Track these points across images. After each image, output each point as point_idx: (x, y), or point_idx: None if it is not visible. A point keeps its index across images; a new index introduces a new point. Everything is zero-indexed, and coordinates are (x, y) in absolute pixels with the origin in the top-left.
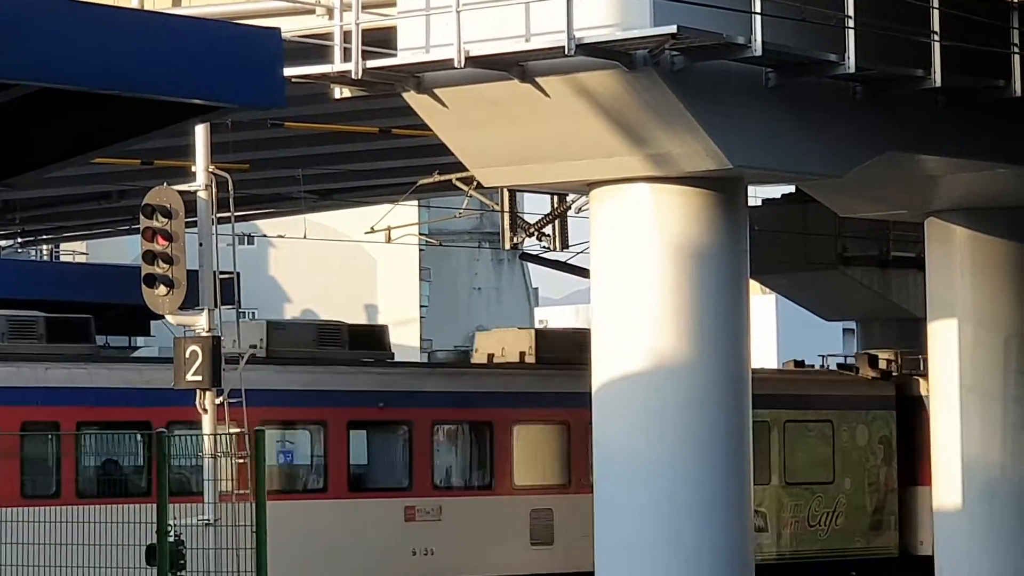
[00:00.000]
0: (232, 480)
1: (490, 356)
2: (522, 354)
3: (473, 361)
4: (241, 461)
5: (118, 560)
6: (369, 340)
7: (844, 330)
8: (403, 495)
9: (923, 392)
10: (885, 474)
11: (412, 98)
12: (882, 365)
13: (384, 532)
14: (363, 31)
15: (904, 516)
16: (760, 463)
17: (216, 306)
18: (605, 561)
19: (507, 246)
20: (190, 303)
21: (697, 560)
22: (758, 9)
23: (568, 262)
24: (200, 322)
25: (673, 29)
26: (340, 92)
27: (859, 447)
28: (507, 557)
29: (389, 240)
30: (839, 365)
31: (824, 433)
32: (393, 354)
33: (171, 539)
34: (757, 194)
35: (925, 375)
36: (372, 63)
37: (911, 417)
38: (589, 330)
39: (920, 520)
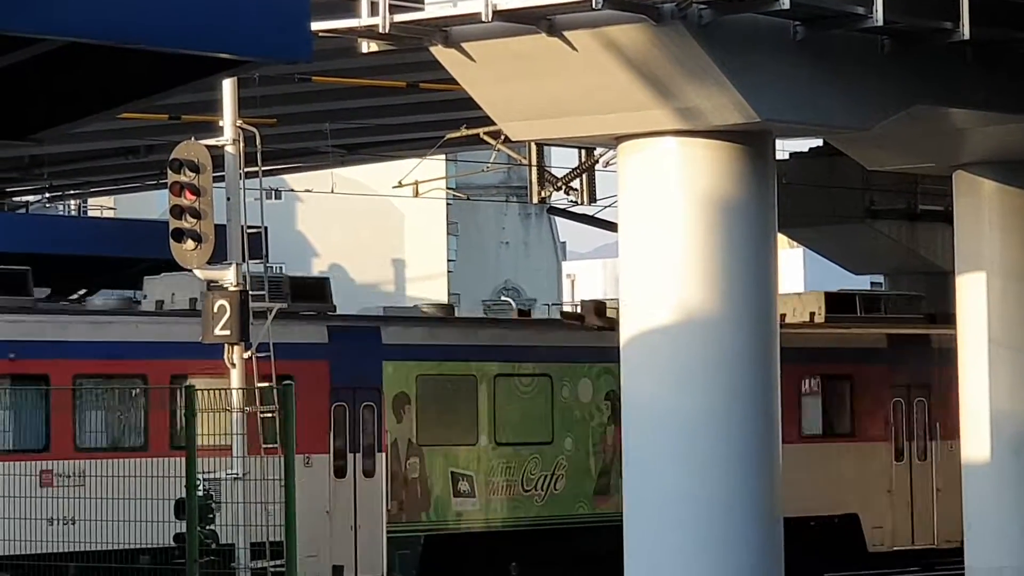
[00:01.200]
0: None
1: (159, 303)
2: (192, 301)
3: (141, 309)
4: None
5: None
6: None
7: (872, 283)
8: (38, 457)
9: None
10: (612, 433)
11: (439, 52)
12: (611, 314)
13: (14, 499)
14: None
15: None
16: (466, 422)
17: (244, 260)
18: (633, 515)
19: (535, 200)
20: (218, 257)
21: (724, 515)
22: None
23: (596, 216)
24: (228, 276)
25: None
26: (367, 46)
27: (582, 403)
28: (167, 529)
29: (417, 194)
30: (562, 313)
31: (541, 388)
32: (35, 299)
33: (200, 493)
34: (785, 147)
35: None
36: (399, 17)
37: None
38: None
39: None
